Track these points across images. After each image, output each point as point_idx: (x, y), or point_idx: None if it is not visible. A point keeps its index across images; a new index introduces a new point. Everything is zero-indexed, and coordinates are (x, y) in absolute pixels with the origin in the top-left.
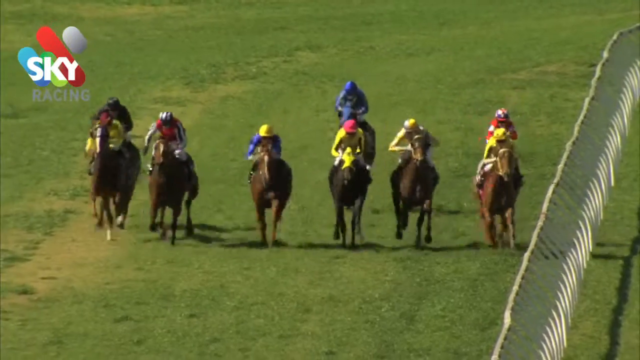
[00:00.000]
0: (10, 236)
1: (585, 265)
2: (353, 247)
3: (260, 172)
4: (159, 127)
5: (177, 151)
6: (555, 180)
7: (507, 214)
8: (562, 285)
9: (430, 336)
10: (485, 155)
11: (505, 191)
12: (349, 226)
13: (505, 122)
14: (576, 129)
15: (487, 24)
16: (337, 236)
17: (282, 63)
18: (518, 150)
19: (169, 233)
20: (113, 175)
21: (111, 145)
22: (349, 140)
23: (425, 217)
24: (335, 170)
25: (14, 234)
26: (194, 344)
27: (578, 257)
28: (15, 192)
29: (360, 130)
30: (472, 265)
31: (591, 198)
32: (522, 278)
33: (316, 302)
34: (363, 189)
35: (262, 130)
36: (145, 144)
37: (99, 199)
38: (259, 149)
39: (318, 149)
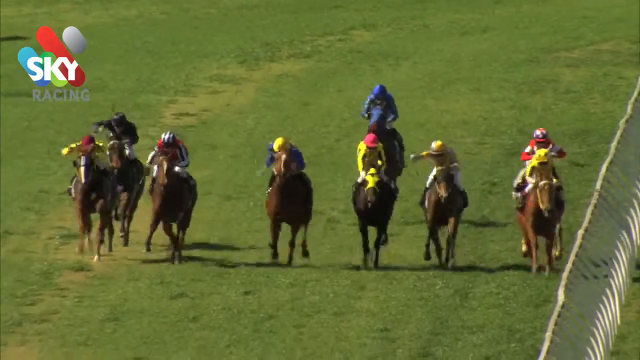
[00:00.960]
0: (66, 214)
1: (638, 242)
2: (376, 267)
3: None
4: (160, 148)
5: (177, 168)
6: (609, 159)
7: (550, 241)
8: (615, 263)
9: (484, 313)
10: (527, 172)
11: (545, 221)
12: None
13: (544, 142)
14: (629, 106)
15: (541, 3)
16: (365, 253)
17: (336, 42)
18: (557, 166)
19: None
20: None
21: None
22: (371, 155)
23: (450, 241)
24: (358, 189)
25: (70, 212)
26: (249, 321)
27: (632, 234)
28: (72, 172)
29: (380, 144)
30: None
31: None
32: (576, 256)
33: (370, 280)
34: (388, 208)
35: (276, 145)
36: (148, 165)
37: (83, 226)
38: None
39: None
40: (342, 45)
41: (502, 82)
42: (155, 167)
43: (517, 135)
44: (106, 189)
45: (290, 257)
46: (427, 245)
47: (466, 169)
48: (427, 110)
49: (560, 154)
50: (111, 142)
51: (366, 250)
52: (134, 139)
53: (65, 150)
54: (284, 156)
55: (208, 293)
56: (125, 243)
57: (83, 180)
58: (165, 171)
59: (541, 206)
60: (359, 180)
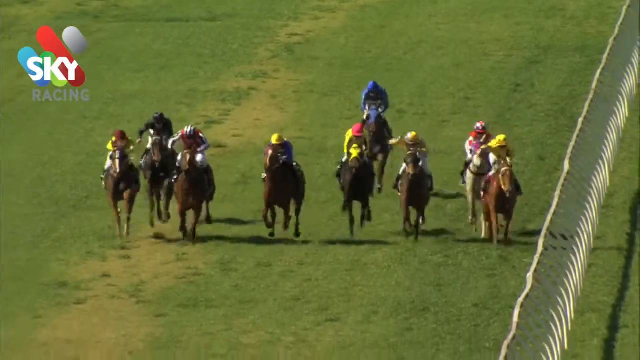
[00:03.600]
0: (209, 105)
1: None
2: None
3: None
4: (182, 138)
5: (199, 157)
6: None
7: (509, 222)
8: (606, 141)
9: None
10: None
11: (506, 200)
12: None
13: (483, 133)
14: (617, 28)
15: None
16: (352, 223)
17: None
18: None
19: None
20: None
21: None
22: (357, 141)
23: (420, 219)
24: (342, 167)
25: (212, 104)
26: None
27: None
28: (213, 75)
29: (365, 132)
30: None
31: None
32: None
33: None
34: (369, 185)
35: (273, 138)
36: (169, 147)
37: (115, 209)
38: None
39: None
40: None
41: (524, 10)
42: (179, 158)
43: (535, 49)
44: (132, 180)
45: (296, 230)
46: (404, 223)
47: (497, 73)
48: (469, 31)
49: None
50: (153, 138)
51: (352, 222)
52: (170, 135)
53: (109, 146)
54: (270, 151)
55: (311, 164)
56: (167, 219)
57: (117, 170)
58: (187, 161)
59: (503, 188)
60: (343, 159)
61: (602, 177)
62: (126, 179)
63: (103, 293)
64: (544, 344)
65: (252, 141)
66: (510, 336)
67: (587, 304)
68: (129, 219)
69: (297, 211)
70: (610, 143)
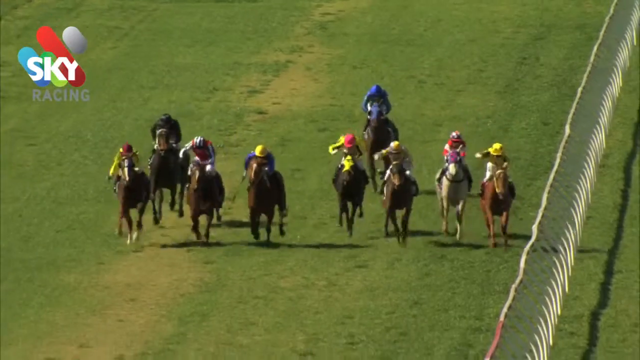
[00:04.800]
0: (251, 77)
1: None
2: (350, 234)
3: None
4: (192, 148)
5: (207, 167)
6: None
7: (503, 218)
8: (602, 108)
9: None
10: (481, 155)
11: (500, 202)
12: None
13: (458, 141)
14: (612, 7)
15: None
16: (340, 224)
17: None
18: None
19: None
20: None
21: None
22: (350, 150)
23: (404, 221)
24: (338, 173)
25: (254, 76)
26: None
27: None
28: (255, 49)
29: (357, 140)
30: None
31: None
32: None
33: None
34: (362, 188)
35: (257, 150)
36: (181, 156)
37: (123, 216)
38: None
39: None
40: None
41: None
42: (190, 170)
43: (540, 27)
44: (142, 188)
45: (281, 230)
46: (386, 226)
47: (506, 48)
48: (482, 10)
49: (463, 153)
50: (159, 130)
51: (346, 219)
52: (179, 137)
53: (111, 170)
54: (254, 165)
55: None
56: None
57: (127, 178)
58: (197, 178)
59: (497, 190)
60: (339, 166)
61: (599, 140)
62: (136, 186)
63: (158, 243)
64: (547, 287)
65: (290, 108)
66: (517, 280)
67: (586, 252)
68: (140, 225)
69: (282, 215)
70: (606, 110)
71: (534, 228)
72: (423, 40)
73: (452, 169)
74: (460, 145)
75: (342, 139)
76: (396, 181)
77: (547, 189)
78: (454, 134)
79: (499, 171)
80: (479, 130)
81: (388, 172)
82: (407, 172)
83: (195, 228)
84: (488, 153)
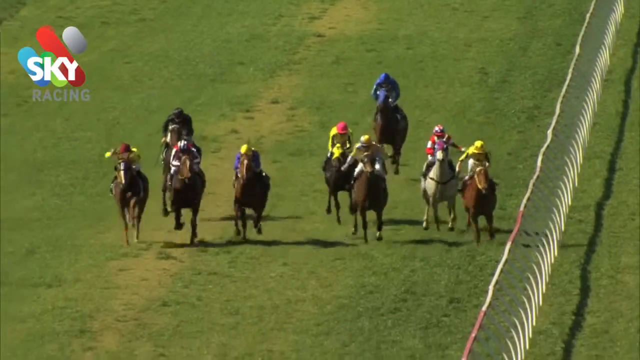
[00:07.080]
0: (311, 5)
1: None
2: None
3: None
4: (177, 152)
5: (195, 161)
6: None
7: (488, 220)
8: (607, 31)
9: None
10: (462, 157)
11: (484, 197)
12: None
13: (442, 135)
14: None
15: None
16: (329, 212)
17: None
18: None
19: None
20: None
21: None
22: (341, 138)
23: (378, 216)
24: (327, 161)
25: (313, 4)
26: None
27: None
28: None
29: (349, 131)
30: None
31: None
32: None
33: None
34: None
35: (242, 149)
36: (161, 158)
37: (122, 218)
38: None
39: None
40: None
41: None
42: (173, 166)
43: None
44: (139, 189)
45: (259, 228)
46: (356, 219)
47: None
48: None
49: (457, 146)
50: (172, 127)
51: (337, 207)
52: (190, 132)
53: (107, 154)
54: (246, 161)
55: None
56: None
57: (123, 182)
58: (188, 167)
59: (479, 186)
60: (328, 155)
61: (604, 58)
62: (133, 188)
63: (232, 145)
64: (559, 182)
65: (343, 32)
66: (534, 176)
67: (592, 152)
68: (137, 227)
69: (259, 213)
70: (610, 32)
71: (549, 133)
72: None
73: (439, 154)
74: (446, 136)
75: (334, 130)
76: (368, 168)
77: (560, 99)
78: (437, 127)
79: (479, 168)
80: (488, 82)
81: (359, 167)
82: (377, 167)
83: (177, 219)
84: (467, 155)
